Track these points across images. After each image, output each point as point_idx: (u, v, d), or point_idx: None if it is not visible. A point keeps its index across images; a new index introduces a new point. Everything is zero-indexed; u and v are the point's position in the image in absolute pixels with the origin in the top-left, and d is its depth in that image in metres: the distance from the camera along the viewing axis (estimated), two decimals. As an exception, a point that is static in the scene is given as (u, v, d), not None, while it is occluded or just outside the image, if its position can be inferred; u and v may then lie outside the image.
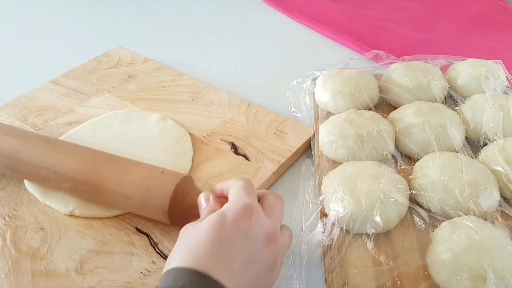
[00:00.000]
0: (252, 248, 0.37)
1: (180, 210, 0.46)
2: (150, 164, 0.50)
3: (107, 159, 0.51)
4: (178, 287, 0.32)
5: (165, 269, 0.36)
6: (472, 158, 0.53)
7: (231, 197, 0.40)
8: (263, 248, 0.37)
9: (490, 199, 0.47)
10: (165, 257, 0.47)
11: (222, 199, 0.42)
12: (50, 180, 0.51)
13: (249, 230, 0.37)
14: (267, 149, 0.59)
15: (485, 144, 0.55)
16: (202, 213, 0.42)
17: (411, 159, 0.55)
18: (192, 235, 0.37)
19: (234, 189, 0.41)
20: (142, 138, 0.61)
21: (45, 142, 0.53)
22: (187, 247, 0.36)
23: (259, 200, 0.41)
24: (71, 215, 0.51)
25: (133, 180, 0.48)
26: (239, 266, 0.35)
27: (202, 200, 0.44)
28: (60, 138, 0.61)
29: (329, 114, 0.63)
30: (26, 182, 0.55)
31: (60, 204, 0.52)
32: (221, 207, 0.40)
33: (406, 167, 0.54)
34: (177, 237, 0.39)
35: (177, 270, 0.34)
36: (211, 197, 0.43)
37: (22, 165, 0.52)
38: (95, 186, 0.49)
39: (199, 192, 0.46)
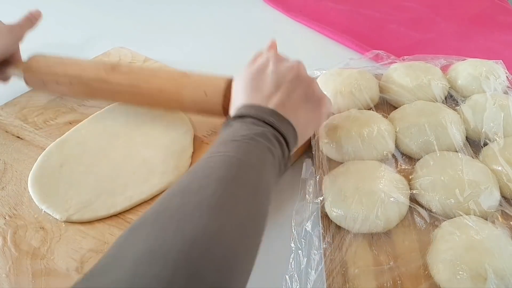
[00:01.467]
0: (275, 77, 0.48)
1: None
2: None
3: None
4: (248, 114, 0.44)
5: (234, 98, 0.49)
6: (472, 158, 0.53)
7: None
8: (286, 73, 0.48)
9: (491, 199, 0.47)
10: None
11: None
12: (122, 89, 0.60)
13: (267, 69, 0.49)
14: (267, 148, 0.59)
15: (485, 144, 0.55)
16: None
17: (411, 159, 0.55)
18: (246, 86, 0.48)
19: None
20: (144, 132, 0.61)
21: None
22: (244, 88, 0.48)
23: None
24: (67, 221, 0.51)
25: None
26: (267, 90, 0.47)
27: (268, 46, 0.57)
28: (62, 136, 0.61)
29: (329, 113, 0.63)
30: (29, 185, 0.54)
31: (58, 210, 0.51)
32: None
33: (406, 167, 0.54)
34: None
35: (240, 107, 0.46)
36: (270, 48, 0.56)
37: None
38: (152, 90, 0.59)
39: None
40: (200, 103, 0.57)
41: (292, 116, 0.45)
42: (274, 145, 0.42)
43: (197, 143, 0.60)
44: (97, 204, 0.52)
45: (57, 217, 0.51)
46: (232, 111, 0.47)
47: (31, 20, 0.67)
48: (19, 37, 0.66)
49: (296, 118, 0.45)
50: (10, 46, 0.65)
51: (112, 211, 0.51)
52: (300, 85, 0.48)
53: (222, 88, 0.55)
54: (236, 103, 0.47)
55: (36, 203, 0.52)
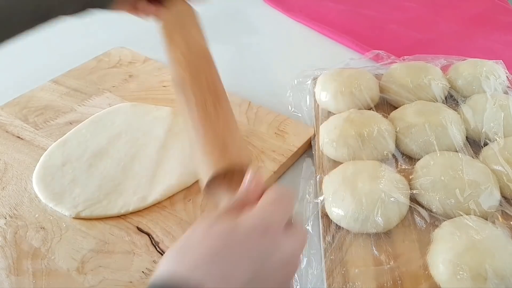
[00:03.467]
0: (259, 269, 0.31)
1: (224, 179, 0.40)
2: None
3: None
4: None
5: (160, 264, 0.30)
6: (472, 158, 0.53)
7: (258, 204, 0.33)
8: (274, 271, 0.32)
9: (491, 199, 0.47)
10: (166, 256, 0.47)
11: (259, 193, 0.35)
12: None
13: (260, 249, 0.31)
14: (268, 148, 0.59)
15: (485, 144, 0.55)
16: (230, 200, 0.35)
17: (411, 159, 0.55)
18: (196, 234, 0.31)
19: (266, 196, 0.34)
20: (150, 135, 0.61)
21: None
22: (187, 248, 0.31)
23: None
24: (76, 217, 0.51)
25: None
26: (238, 284, 0.29)
27: (249, 176, 0.36)
28: (63, 136, 0.61)
29: (329, 113, 0.63)
30: (34, 183, 0.55)
31: (67, 206, 0.52)
32: (254, 202, 0.34)
33: (406, 167, 0.54)
34: (178, 237, 0.39)
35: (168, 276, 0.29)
36: (253, 183, 0.35)
37: None
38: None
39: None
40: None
41: None
42: None
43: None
44: (106, 202, 0.52)
45: (66, 213, 0.51)
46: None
47: None
48: None
49: None
50: None
51: (124, 210, 0.51)
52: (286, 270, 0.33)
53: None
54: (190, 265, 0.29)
55: (43, 201, 0.53)
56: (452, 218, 0.46)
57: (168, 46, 0.51)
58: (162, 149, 0.59)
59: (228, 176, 0.40)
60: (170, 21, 0.52)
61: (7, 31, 0.47)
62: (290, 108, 0.67)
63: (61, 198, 0.53)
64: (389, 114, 0.60)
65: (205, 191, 0.40)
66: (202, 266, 0.29)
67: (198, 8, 0.57)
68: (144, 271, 0.45)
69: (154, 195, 0.53)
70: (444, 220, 0.46)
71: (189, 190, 0.54)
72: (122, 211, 0.51)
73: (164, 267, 0.30)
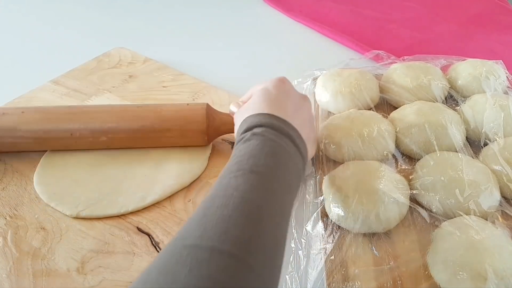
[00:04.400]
0: (294, 100, 0.49)
1: (213, 129, 0.57)
2: (173, 103, 0.59)
3: (134, 108, 0.57)
4: (260, 122, 0.43)
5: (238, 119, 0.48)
6: (472, 158, 0.53)
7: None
8: (300, 100, 0.50)
9: (491, 199, 0.47)
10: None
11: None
12: (86, 139, 0.56)
13: (287, 90, 0.49)
14: (267, 149, 0.59)
15: (485, 144, 0.55)
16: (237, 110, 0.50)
17: (411, 159, 0.55)
18: (248, 105, 0.48)
19: (260, 84, 0.50)
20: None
21: (68, 110, 0.57)
22: (251, 107, 0.46)
23: None
24: (77, 217, 0.51)
25: (168, 115, 0.56)
26: (291, 111, 0.46)
27: (232, 107, 0.54)
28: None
29: (329, 114, 0.63)
30: (35, 183, 0.55)
31: (67, 206, 0.52)
32: None
33: (406, 167, 0.54)
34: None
35: (253, 115, 0.45)
36: (240, 103, 0.52)
37: (53, 133, 0.55)
38: (133, 130, 0.56)
39: (222, 114, 0.58)
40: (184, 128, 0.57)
41: (306, 138, 0.46)
42: (294, 153, 0.43)
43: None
44: (107, 202, 0.52)
45: (67, 213, 0.51)
46: (247, 118, 0.45)
47: None
48: None
49: (308, 140, 0.47)
50: None
51: (124, 210, 0.51)
52: (307, 114, 0.51)
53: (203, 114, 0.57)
54: (255, 110, 0.46)
55: (45, 200, 0.53)
56: (452, 218, 0.46)
57: None
58: (162, 148, 0.59)
59: None
60: None
61: None
62: (290, 108, 0.67)
63: (62, 198, 0.53)
64: (389, 114, 0.60)
65: None
66: (267, 108, 0.45)
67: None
68: (144, 271, 0.45)
69: (153, 195, 0.53)
70: (444, 220, 0.46)
71: (189, 190, 0.54)
72: (122, 211, 0.51)
73: (262, 109, 0.45)
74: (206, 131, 0.56)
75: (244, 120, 0.45)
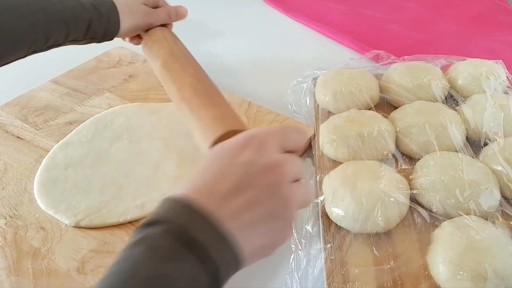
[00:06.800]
0: (244, 174, 0.33)
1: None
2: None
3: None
4: (163, 217, 0.31)
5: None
6: (472, 158, 0.53)
7: None
8: (259, 175, 0.33)
9: (491, 199, 0.47)
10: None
11: None
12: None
13: (241, 157, 0.34)
14: (267, 148, 0.59)
15: (485, 144, 0.55)
16: None
17: (411, 159, 0.55)
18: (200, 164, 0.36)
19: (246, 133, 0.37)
20: (149, 133, 0.61)
21: None
22: (189, 178, 0.35)
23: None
24: (76, 226, 0.50)
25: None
26: (225, 189, 0.32)
27: None
28: (65, 138, 0.61)
29: (329, 113, 0.63)
30: (35, 189, 0.54)
31: (66, 215, 0.51)
32: None
33: (406, 167, 0.54)
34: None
35: (168, 200, 0.32)
36: None
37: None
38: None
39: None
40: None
41: (242, 237, 0.31)
42: (197, 274, 0.29)
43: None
44: (106, 210, 0.51)
45: (66, 222, 0.50)
46: (165, 199, 0.32)
47: (171, 16, 0.70)
48: (153, 23, 0.67)
49: (246, 240, 0.32)
50: (140, 27, 0.67)
51: (122, 219, 0.51)
52: (270, 202, 0.33)
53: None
54: (182, 187, 0.33)
55: (43, 208, 0.52)
56: (452, 218, 0.46)
57: (148, 55, 0.65)
58: (162, 151, 0.59)
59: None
60: (148, 40, 0.66)
61: (17, 52, 0.60)
62: (290, 108, 0.67)
63: (62, 206, 0.52)
64: (389, 114, 0.60)
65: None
66: (192, 184, 0.33)
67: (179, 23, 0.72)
68: (144, 271, 0.45)
69: (152, 202, 0.52)
70: (444, 220, 0.46)
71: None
72: (121, 220, 0.51)
73: (185, 187, 0.33)
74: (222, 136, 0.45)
75: (164, 199, 0.32)
